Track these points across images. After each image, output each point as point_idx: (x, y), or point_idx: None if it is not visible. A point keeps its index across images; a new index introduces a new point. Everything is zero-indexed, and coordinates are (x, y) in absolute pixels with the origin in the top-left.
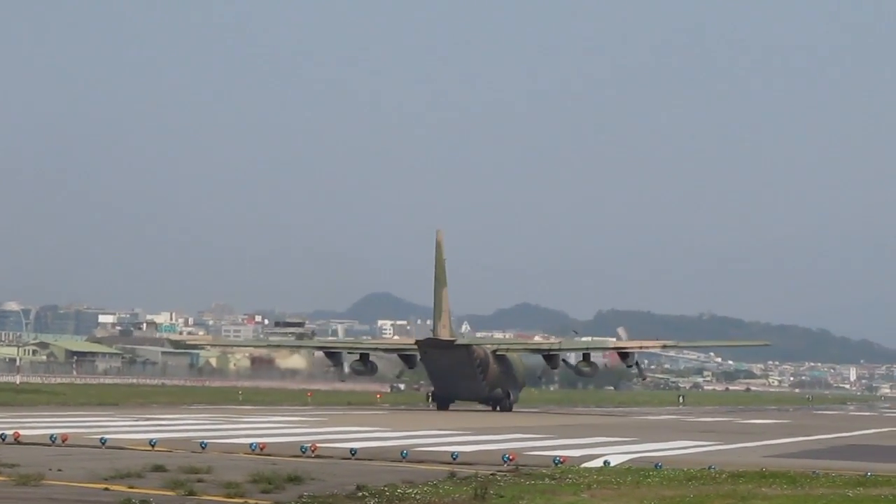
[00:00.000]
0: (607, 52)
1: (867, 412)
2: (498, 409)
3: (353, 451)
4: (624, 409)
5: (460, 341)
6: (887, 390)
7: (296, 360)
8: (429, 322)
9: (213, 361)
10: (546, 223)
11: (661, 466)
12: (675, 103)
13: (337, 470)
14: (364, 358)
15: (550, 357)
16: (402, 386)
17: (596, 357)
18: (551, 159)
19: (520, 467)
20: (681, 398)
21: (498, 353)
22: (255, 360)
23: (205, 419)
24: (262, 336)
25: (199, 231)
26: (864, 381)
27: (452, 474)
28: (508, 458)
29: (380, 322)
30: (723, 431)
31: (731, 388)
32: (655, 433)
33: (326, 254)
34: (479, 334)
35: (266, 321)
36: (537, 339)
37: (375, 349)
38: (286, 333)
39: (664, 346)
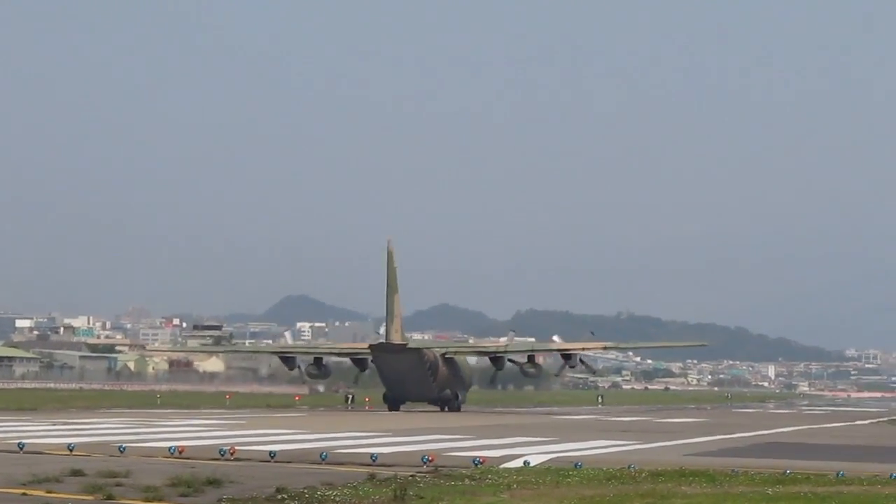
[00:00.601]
0: (508, 57)
1: (786, 410)
2: (447, 409)
3: (272, 454)
4: (543, 409)
5: (412, 345)
6: (806, 388)
7: (214, 363)
8: (347, 324)
9: (132, 365)
10: (462, 224)
11: (580, 466)
12: (590, 100)
13: (256, 472)
14: (318, 362)
15: (497, 359)
16: (320, 388)
17: (520, 358)
18: (467, 161)
19: (439, 468)
20: (600, 398)
21: (447, 356)
22: (173, 364)
23: (123, 423)
24: (180, 339)
25: (116, 232)
26: (782, 378)
27: (372, 476)
28: (428, 460)
29: (298, 324)
30: (642, 431)
31: (650, 387)
32: (575, 433)
33: (243, 255)
34: None
35: (184, 324)
36: (477, 341)
37: (329, 353)
38: (204, 336)
39: (605, 348)
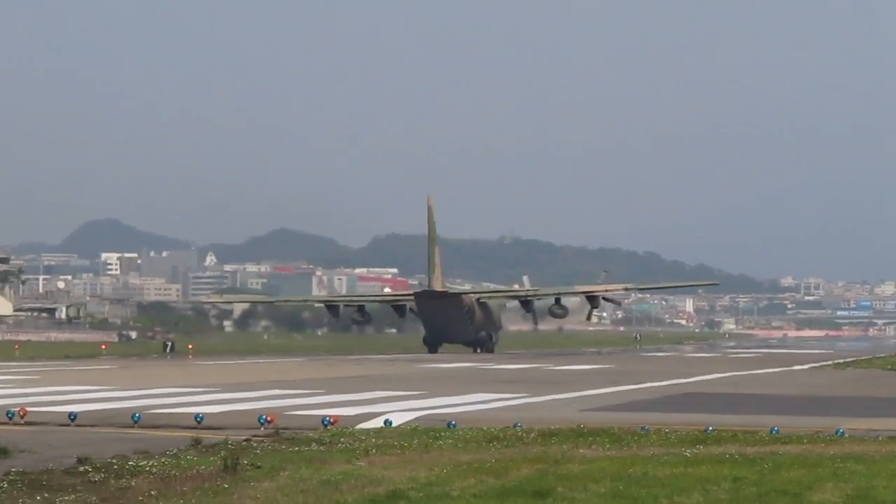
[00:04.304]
0: None
1: (707, 353)
2: (481, 350)
3: (72, 416)
4: (410, 356)
5: (452, 291)
6: (731, 326)
7: (1, 305)
8: (165, 254)
9: None
10: (303, 136)
11: (454, 425)
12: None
13: (53, 439)
14: (361, 309)
15: (526, 302)
16: (133, 334)
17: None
18: (311, 63)
19: (280, 431)
20: None
21: (481, 300)
22: None
23: None
24: None
25: None
26: (703, 314)
27: (196, 441)
28: (266, 420)
29: (104, 255)
30: (530, 381)
31: (540, 327)
32: (448, 385)
33: (34, 172)
34: (227, 267)
35: None
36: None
37: (372, 301)
38: None
39: (626, 289)
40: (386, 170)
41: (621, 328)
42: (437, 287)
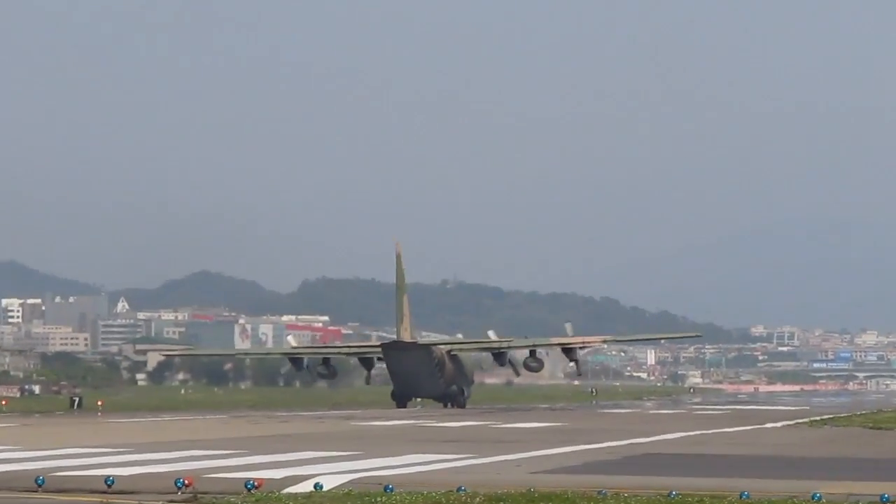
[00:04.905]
0: None
1: (671, 409)
2: (451, 405)
3: None
4: (342, 413)
5: (421, 342)
6: (697, 379)
7: None
8: (72, 299)
9: None
10: (226, 172)
11: (392, 489)
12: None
13: None
14: (326, 361)
15: (499, 354)
16: (36, 389)
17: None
18: (232, 103)
19: (199, 495)
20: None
21: (452, 352)
22: None
23: None
24: None
25: None
26: (665, 367)
27: None
28: (184, 484)
29: (4, 301)
30: (476, 440)
31: (486, 381)
32: (384, 444)
33: None
34: (141, 314)
35: None
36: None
37: (338, 353)
38: None
39: (604, 342)
40: (318, 209)
41: (576, 382)
42: (406, 338)
